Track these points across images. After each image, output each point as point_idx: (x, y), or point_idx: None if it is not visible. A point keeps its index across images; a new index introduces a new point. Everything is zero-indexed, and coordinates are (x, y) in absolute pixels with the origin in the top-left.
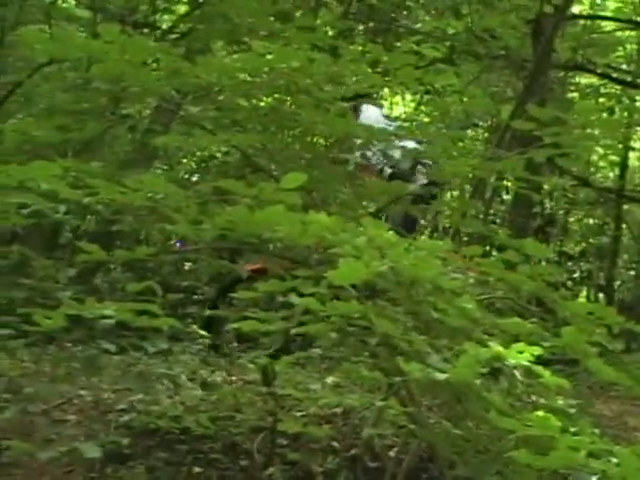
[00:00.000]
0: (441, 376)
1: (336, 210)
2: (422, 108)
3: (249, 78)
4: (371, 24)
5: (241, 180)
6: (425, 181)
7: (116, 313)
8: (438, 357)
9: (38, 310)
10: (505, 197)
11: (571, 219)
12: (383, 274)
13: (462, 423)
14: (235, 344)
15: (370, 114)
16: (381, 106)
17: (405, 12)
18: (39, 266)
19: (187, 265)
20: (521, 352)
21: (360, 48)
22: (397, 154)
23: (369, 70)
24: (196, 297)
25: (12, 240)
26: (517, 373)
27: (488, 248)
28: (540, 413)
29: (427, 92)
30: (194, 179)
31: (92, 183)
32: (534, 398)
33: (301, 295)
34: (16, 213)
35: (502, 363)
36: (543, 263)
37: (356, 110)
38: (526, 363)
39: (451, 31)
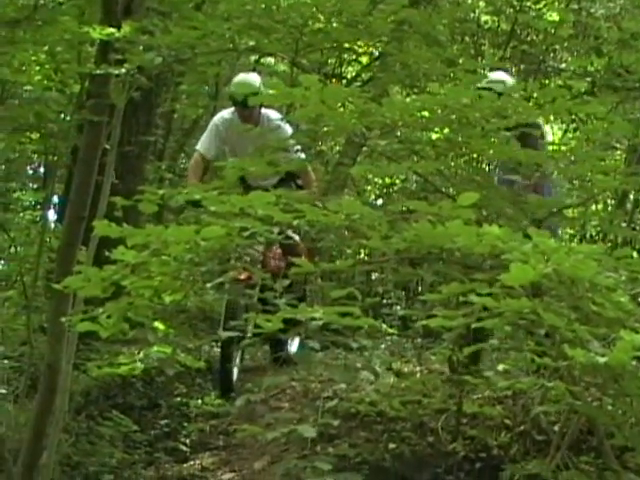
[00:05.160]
0: (601, 360)
1: (504, 223)
2: (569, 135)
3: (426, 114)
4: (523, 66)
5: (422, 200)
6: None
7: (324, 316)
8: (598, 344)
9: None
10: None
11: None
12: (548, 275)
13: (618, 400)
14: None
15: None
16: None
17: (552, 54)
18: (262, 278)
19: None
20: None
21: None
22: None
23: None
24: (386, 301)
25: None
26: None
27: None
28: None
29: (573, 121)
30: (378, 203)
31: (299, 207)
32: None
33: (479, 295)
34: (238, 235)
35: None
36: None
37: None
38: None
39: (591, 69)
